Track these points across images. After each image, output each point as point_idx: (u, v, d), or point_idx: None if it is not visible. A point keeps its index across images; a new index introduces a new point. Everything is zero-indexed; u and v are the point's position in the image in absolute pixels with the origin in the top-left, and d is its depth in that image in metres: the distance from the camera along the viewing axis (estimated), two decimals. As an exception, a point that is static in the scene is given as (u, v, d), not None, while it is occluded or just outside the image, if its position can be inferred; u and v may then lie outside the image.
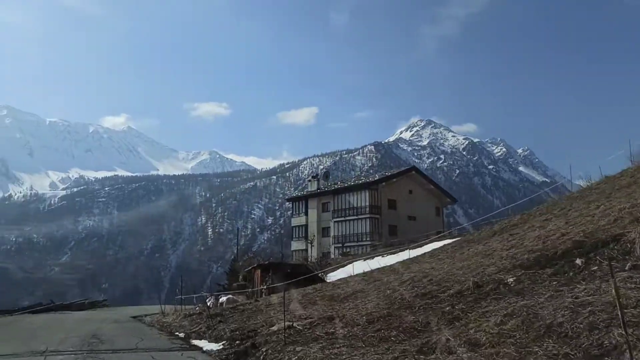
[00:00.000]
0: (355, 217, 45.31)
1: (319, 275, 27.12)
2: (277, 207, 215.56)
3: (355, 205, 45.63)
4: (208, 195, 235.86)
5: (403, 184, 48.18)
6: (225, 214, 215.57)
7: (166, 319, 15.24)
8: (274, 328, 8.08)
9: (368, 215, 44.70)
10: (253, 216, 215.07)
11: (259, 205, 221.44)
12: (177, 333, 11.61)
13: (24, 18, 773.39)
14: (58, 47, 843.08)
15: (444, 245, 16.55)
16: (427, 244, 35.01)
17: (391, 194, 46.70)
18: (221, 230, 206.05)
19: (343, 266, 35.98)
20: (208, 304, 26.01)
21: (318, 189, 49.85)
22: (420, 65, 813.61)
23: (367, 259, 34.88)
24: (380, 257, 34.45)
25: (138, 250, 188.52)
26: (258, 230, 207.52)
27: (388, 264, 18.55)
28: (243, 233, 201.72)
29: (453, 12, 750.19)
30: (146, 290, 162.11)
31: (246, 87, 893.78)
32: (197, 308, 25.04)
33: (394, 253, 34.64)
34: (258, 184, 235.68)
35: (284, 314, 8.04)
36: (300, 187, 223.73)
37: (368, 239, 44.16)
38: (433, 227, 46.58)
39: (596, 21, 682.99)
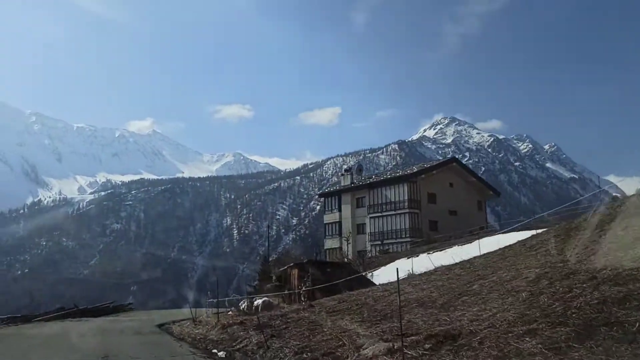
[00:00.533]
0: (393, 213, 42.33)
1: (364, 275, 24.32)
2: (301, 208, 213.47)
3: (392, 200, 42.62)
4: (233, 196, 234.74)
5: (443, 176, 45.03)
6: (250, 215, 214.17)
7: (199, 329, 12.52)
8: (368, 352, 5.31)
9: (407, 210, 41.67)
10: (278, 217, 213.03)
11: (284, 206, 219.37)
12: (215, 351, 8.90)
13: (49, 26, 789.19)
14: (83, 54, 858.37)
15: (529, 237, 13.53)
16: (478, 239, 31.93)
17: (431, 187, 43.60)
18: (246, 231, 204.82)
19: (384, 265, 33.14)
20: (241, 307, 23.35)
21: (352, 183, 46.97)
22: (442, 63, 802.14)
23: (412, 256, 31.99)
24: (425, 255, 31.51)
25: (165, 253, 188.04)
26: (283, 231, 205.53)
27: (454, 260, 15.71)
28: (268, 234, 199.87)
29: (474, 9, 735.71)
30: (173, 292, 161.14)
31: (268, 89, 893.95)
32: (231, 312, 22.42)
33: (441, 249, 31.68)
34: (282, 184, 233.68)
35: (401, 328, 5.18)
36: (324, 187, 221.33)
37: (408, 235, 41.13)
38: (475, 222, 43.46)
39: (625, 13, 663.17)
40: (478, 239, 32.07)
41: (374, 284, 23.34)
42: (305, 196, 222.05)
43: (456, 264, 12.90)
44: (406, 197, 41.82)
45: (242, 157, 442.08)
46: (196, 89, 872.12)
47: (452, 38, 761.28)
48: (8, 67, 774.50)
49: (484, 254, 13.25)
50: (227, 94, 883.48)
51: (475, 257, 13.21)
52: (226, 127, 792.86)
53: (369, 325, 6.93)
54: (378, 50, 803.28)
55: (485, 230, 36.58)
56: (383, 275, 27.19)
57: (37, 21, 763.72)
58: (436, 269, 13.40)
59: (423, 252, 32.51)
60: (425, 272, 13.85)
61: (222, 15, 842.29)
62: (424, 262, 27.76)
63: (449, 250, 29.83)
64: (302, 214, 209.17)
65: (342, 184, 48.60)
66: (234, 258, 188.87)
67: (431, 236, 37.68)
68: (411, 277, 14.83)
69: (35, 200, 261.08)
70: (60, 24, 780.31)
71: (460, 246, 30.32)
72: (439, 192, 43.89)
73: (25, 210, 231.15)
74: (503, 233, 31.07)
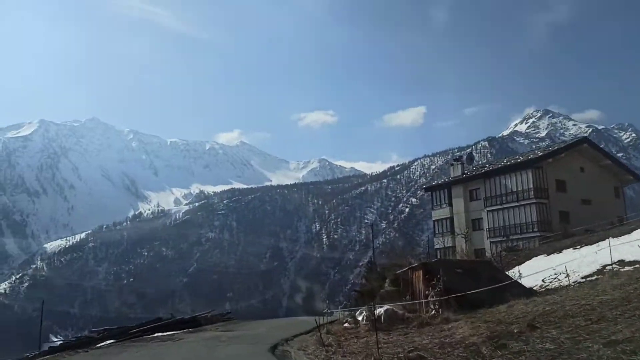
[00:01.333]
0: (516, 204, 36.67)
1: (509, 278, 19.48)
2: (390, 211, 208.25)
3: (514, 190, 36.98)
4: (320, 202, 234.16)
5: (572, 160, 38.71)
6: (339, 220, 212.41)
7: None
8: None
9: (533, 201, 35.87)
10: (366, 221, 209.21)
11: (372, 210, 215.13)
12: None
13: (141, 49, 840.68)
14: (173, 73, 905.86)
15: None
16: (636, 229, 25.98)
17: (559, 173, 37.49)
18: (335, 236, 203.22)
19: (518, 264, 27.88)
20: (360, 318, 19.39)
21: (463, 174, 41.73)
22: (531, 55, 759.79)
23: (553, 253, 26.61)
24: (571, 250, 26.06)
25: (258, 259, 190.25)
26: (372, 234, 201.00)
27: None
28: (357, 238, 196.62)
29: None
30: (268, 298, 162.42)
31: (350, 93, 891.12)
32: (347, 324, 18.64)
33: (587, 244, 26.07)
34: (369, 188, 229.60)
35: None
36: (412, 189, 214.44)
37: (535, 229, 35.35)
38: (612, 211, 36.97)
39: None
40: (635, 229, 26.15)
41: (529, 289, 18.48)
42: (393, 199, 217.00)
43: None
44: (531, 186, 36.03)
45: (327, 163, 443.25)
46: (279, 98, 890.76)
47: (540, 27, 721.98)
48: (108, 90, 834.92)
49: None
50: (309, 101, 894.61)
51: None
52: (310, 133, 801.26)
53: None
54: (461, 45, 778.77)
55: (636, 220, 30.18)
56: (537, 277, 22.15)
57: (131, 46, 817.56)
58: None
59: (566, 247, 27.10)
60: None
61: (298, 25, 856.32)
62: (578, 259, 22.32)
63: (603, 244, 24.19)
64: (391, 217, 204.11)
65: (452, 175, 43.33)
66: (325, 263, 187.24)
67: (568, 229, 31.81)
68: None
69: (136, 212, 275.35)
70: (151, 46, 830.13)
71: (616, 238, 24.60)
72: (569, 178, 37.65)
73: (128, 222, 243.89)
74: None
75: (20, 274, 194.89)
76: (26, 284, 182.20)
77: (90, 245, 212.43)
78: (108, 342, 15.49)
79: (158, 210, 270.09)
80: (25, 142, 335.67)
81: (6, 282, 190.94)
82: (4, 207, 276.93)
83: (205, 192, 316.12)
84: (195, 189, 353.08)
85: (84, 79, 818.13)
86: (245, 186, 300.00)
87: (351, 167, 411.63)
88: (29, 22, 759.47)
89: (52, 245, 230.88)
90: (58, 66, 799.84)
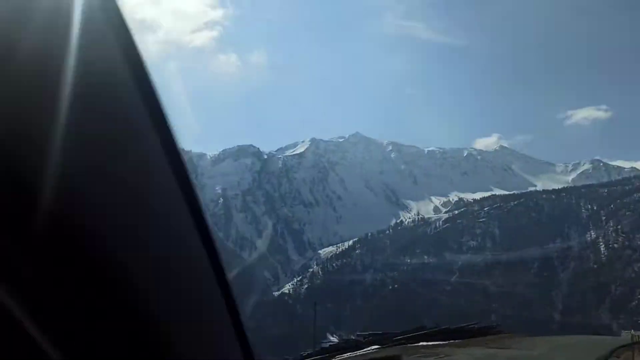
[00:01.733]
0: None
1: None
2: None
3: None
4: (595, 207, 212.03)
5: None
6: (619, 227, 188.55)
7: None
8: None
9: None
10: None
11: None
12: None
13: (397, 64, 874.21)
14: (429, 83, 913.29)
15: None
16: None
17: None
18: (615, 245, 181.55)
19: None
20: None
21: None
22: None
23: None
24: None
25: (524, 269, 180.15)
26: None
27: None
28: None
29: None
30: (538, 310, 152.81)
31: (627, 83, 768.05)
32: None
33: None
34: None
35: None
36: None
37: None
38: None
39: None
40: None
41: None
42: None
43: None
44: None
45: (601, 164, 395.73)
46: (541, 97, 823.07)
47: None
48: (368, 105, 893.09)
49: None
50: (576, 97, 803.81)
51: None
52: (579, 132, 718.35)
53: None
54: None
55: None
56: None
57: (388, 61, 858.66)
58: None
59: None
60: None
61: (556, 17, 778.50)
62: None
63: None
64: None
65: None
66: (604, 275, 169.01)
67: None
68: None
69: (397, 221, 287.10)
70: (408, 59, 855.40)
71: None
72: None
73: (390, 231, 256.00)
74: None
75: (300, 277, 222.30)
76: (305, 286, 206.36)
77: (357, 252, 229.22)
78: (373, 347, 15.42)
79: (418, 218, 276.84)
80: (300, 159, 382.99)
81: (289, 284, 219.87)
82: (286, 218, 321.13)
83: (465, 200, 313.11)
84: (454, 196, 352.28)
85: (346, 97, 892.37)
86: (506, 192, 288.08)
87: (632, 167, 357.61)
88: (299, 54, 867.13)
89: (324, 252, 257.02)
90: (324, 89, 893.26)
